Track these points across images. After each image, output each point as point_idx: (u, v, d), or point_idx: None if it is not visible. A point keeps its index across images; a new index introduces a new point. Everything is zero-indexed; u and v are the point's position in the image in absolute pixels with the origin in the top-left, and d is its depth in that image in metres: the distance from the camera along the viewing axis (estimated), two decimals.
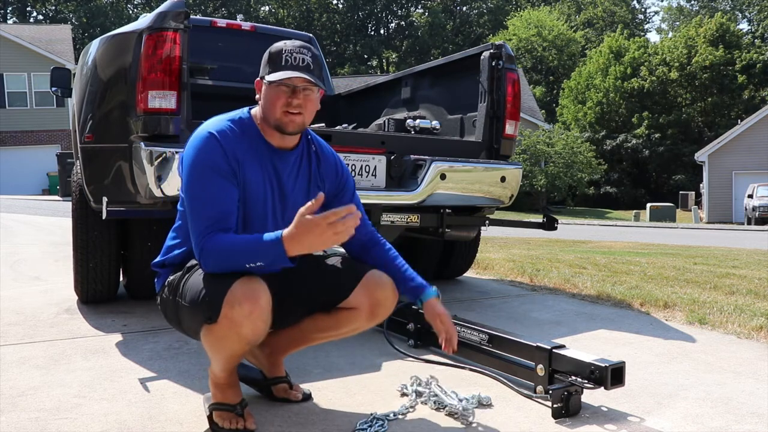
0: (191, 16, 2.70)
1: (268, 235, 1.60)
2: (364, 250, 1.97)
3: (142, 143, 2.57)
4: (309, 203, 1.59)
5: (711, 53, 35.53)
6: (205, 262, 1.67)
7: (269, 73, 1.76)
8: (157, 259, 1.88)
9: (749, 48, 37.93)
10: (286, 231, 1.58)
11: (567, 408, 1.94)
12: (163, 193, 2.53)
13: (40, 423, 1.84)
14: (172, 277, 1.81)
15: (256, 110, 1.85)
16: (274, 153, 1.83)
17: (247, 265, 1.62)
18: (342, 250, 2.02)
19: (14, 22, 42.69)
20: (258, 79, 1.82)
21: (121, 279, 3.52)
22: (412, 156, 3.21)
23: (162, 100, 2.57)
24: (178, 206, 1.86)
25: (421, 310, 1.94)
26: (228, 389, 1.81)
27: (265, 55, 1.80)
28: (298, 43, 1.80)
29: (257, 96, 1.82)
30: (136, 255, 3.37)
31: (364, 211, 1.98)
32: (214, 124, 1.78)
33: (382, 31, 53.25)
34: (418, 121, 3.68)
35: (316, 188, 1.91)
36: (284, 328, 1.96)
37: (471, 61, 3.62)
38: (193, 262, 1.78)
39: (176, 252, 1.84)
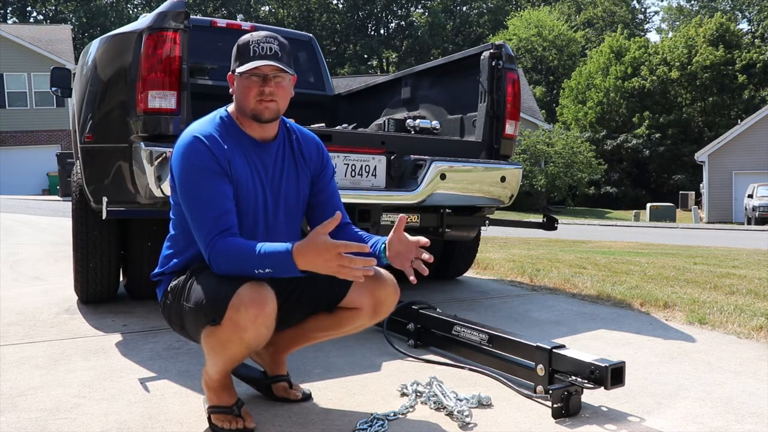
0: (191, 16, 2.70)
1: (279, 246, 1.60)
2: (337, 230, 1.90)
3: (142, 143, 2.58)
4: (327, 222, 1.58)
5: (711, 53, 35.51)
6: (216, 263, 1.68)
7: (239, 65, 1.78)
8: (156, 270, 1.89)
9: (749, 48, 37.92)
10: (297, 244, 1.58)
11: (567, 408, 1.94)
12: (163, 193, 2.53)
13: (40, 423, 1.84)
14: (174, 282, 1.81)
15: (232, 107, 1.87)
16: (257, 146, 1.85)
17: (256, 271, 1.62)
18: None
19: (14, 22, 42.66)
20: (229, 73, 1.84)
21: (121, 279, 3.52)
22: (412, 156, 3.21)
23: (162, 100, 2.57)
24: (171, 214, 1.87)
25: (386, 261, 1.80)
26: (222, 391, 1.81)
27: (234, 49, 1.81)
28: (264, 33, 1.82)
29: (231, 90, 1.84)
30: (136, 255, 3.37)
31: (339, 198, 2.02)
32: (196, 127, 1.80)
33: (382, 31, 53.21)
34: (418, 121, 3.68)
35: (303, 170, 1.93)
36: (287, 329, 1.97)
37: (471, 61, 3.62)
38: (197, 265, 1.78)
39: (174, 261, 1.85)
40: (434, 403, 2.00)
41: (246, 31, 4.79)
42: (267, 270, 1.61)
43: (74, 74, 3.64)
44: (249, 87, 1.78)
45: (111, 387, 2.15)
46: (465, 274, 4.76)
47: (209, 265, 1.70)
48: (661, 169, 36.39)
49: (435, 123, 3.73)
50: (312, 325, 1.96)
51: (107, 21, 43.90)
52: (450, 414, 1.93)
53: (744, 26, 49.07)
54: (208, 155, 1.73)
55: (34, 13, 47.75)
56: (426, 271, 1.75)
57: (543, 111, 36.74)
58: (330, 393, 2.13)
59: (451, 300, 3.79)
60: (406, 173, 3.19)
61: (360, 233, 1.92)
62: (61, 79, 4.72)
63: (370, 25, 53.24)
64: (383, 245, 1.79)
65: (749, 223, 22.23)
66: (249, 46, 1.78)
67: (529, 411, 1.99)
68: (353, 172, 3.06)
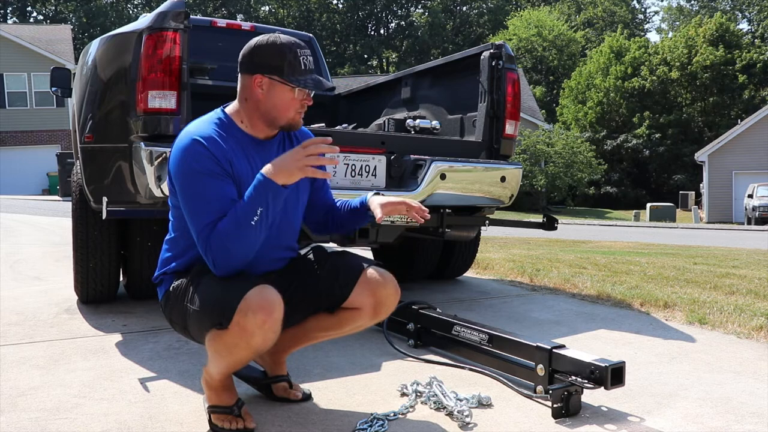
0: (191, 16, 2.70)
1: (252, 184, 1.68)
2: (327, 213, 2.08)
3: (142, 143, 2.57)
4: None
5: (711, 53, 35.51)
6: (214, 254, 1.66)
7: (290, 74, 1.74)
8: (156, 273, 1.89)
9: (749, 48, 37.91)
10: (265, 167, 1.67)
11: (567, 408, 1.94)
12: (163, 192, 2.53)
13: (40, 423, 1.84)
14: (177, 283, 1.80)
15: (231, 108, 1.84)
16: (258, 144, 1.84)
17: (252, 221, 1.64)
18: (333, 244, 2.05)
19: (14, 22, 42.68)
20: (263, 75, 1.74)
21: (121, 279, 3.52)
22: (412, 156, 3.21)
23: (162, 100, 2.57)
24: (170, 216, 1.86)
25: (372, 215, 1.96)
26: (223, 391, 1.81)
27: (275, 54, 1.73)
28: (295, 40, 1.79)
29: (258, 93, 1.76)
30: (136, 255, 3.37)
31: (329, 186, 2.10)
32: (194, 129, 1.76)
33: (382, 31, 53.23)
34: (418, 121, 3.68)
35: None
36: (288, 328, 1.96)
37: (471, 61, 3.62)
38: (200, 266, 1.77)
39: (174, 264, 1.84)
40: (434, 403, 2.00)
41: (246, 31, 4.82)
42: (259, 210, 1.64)
43: (74, 74, 3.64)
44: (295, 99, 1.78)
45: (111, 387, 2.15)
46: (465, 274, 4.76)
47: (212, 268, 1.69)
48: (661, 169, 36.40)
49: (435, 123, 3.73)
50: (313, 325, 1.96)
51: (107, 21, 43.93)
52: (450, 414, 1.93)
53: (744, 26, 49.13)
54: (209, 157, 1.70)
55: (34, 13, 47.78)
56: (421, 220, 1.91)
57: (543, 111, 36.74)
58: (330, 393, 2.13)
59: (451, 300, 3.79)
60: (406, 173, 3.19)
61: (341, 200, 2.06)
62: (61, 79, 4.72)
63: (370, 25, 53.25)
64: (366, 200, 1.95)
65: (749, 223, 22.23)
66: (299, 57, 1.75)
67: (529, 411, 2.00)
68: (353, 172, 3.06)
